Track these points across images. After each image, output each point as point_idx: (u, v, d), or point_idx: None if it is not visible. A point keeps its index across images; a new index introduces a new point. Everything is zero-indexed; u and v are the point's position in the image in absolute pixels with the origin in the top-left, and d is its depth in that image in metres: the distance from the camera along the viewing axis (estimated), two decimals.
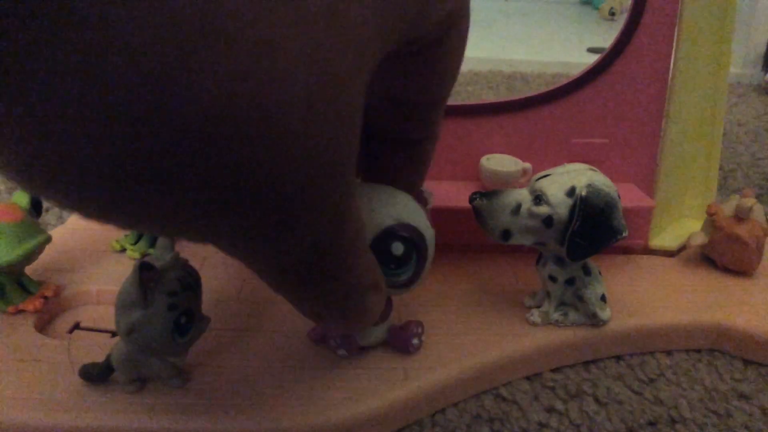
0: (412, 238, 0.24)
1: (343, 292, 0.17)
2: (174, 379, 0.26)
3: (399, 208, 0.24)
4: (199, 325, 0.25)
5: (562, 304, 0.31)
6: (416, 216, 0.25)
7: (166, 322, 0.24)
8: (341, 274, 0.17)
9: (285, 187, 0.12)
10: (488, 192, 0.29)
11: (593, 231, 0.28)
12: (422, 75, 0.19)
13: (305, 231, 0.14)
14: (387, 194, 0.24)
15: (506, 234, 0.29)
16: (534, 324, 0.31)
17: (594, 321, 0.31)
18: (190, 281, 0.25)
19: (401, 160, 0.24)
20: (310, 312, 0.18)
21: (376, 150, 0.23)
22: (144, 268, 0.23)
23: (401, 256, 0.24)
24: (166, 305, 0.24)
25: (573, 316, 0.31)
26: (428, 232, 0.25)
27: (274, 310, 0.32)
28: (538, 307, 0.32)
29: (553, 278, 0.30)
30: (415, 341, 0.29)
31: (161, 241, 0.25)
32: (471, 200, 0.29)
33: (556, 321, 0.31)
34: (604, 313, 0.31)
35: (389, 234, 0.24)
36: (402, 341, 0.29)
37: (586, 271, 0.30)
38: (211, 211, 0.12)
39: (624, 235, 0.28)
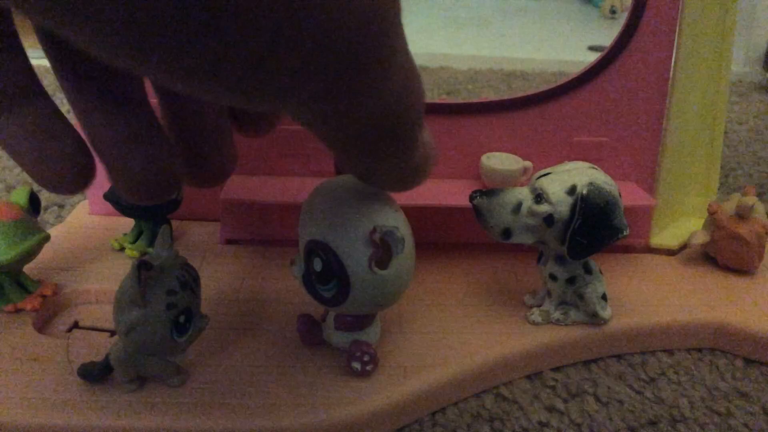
0: (329, 260, 0.24)
1: (410, 159, 0.18)
2: (173, 378, 0.26)
3: (338, 223, 0.23)
4: (199, 325, 0.25)
5: (562, 303, 0.31)
6: (350, 240, 0.23)
7: (164, 321, 0.24)
8: (409, 139, 0.17)
9: (359, 42, 0.13)
10: (488, 190, 0.29)
11: (594, 229, 0.28)
12: None
13: (380, 87, 0.14)
14: (345, 204, 0.24)
15: (507, 233, 0.29)
16: (535, 323, 0.31)
17: (595, 320, 0.31)
18: (188, 280, 0.24)
19: None
20: (371, 176, 0.19)
21: None
22: (143, 267, 0.23)
23: (320, 273, 0.24)
24: (165, 304, 0.23)
25: (574, 314, 0.31)
26: (353, 259, 0.24)
27: (273, 309, 0.32)
28: (539, 306, 0.32)
29: (553, 277, 0.30)
30: (355, 365, 0.27)
31: (160, 240, 0.25)
32: (471, 199, 0.29)
33: (557, 320, 0.31)
34: (605, 312, 0.31)
35: (311, 248, 0.24)
36: (346, 359, 0.27)
37: (587, 269, 0.30)
38: (301, 73, 0.12)
39: (625, 233, 0.28)
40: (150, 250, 0.36)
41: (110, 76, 0.17)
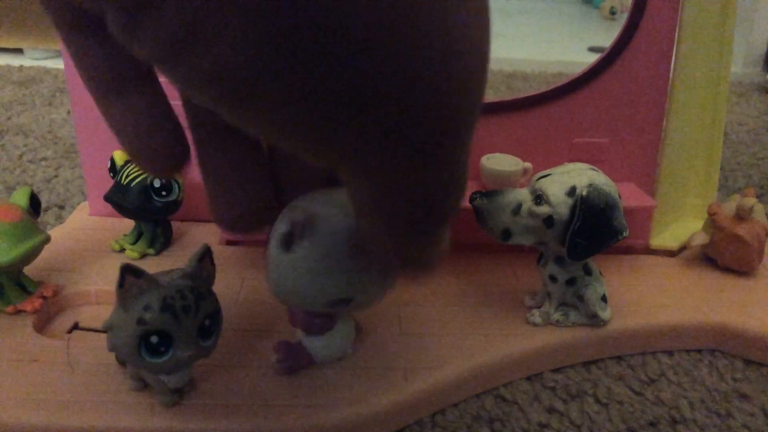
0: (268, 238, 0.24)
1: (442, 238, 0.18)
2: (162, 396, 0.25)
3: (290, 206, 0.24)
4: (179, 355, 0.23)
5: (562, 304, 0.31)
6: (281, 220, 0.24)
7: (131, 334, 0.23)
8: (447, 219, 0.17)
9: (446, 124, 0.13)
10: (488, 192, 0.29)
11: (594, 231, 0.28)
12: None
13: (442, 169, 0.15)
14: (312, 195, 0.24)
15: (507, 234, 0.29)
16: (535, 324, 0.31)
17: (594, 321, 0.31)
18: (176, 305, 0.23)
19: None
20: (406, 255, 0.19)
21: None
22: (127, 271, 0.23)
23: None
24: (136, 318, 0.23)
25: (574, 316, 0.31)
26: (274, 237, 0.24)
27: (273, 310, 0.32)
28: (539, 307, 0.32)
29: (553, 278, 0.30)
30: (272, 358, 0.27)
31: (192, 256, 0.24)
32: (471, 200, 0.29)
33: (557, 321, 0.31)
34: (605, 314, 0.31)
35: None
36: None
37: (587, 271, 0.30)
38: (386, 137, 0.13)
39: (625, 234, 0.28)
40: (150, 251, 0.36)
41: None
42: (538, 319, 0.31)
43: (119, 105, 0.19)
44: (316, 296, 0.24)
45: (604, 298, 0.31)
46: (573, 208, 0.28)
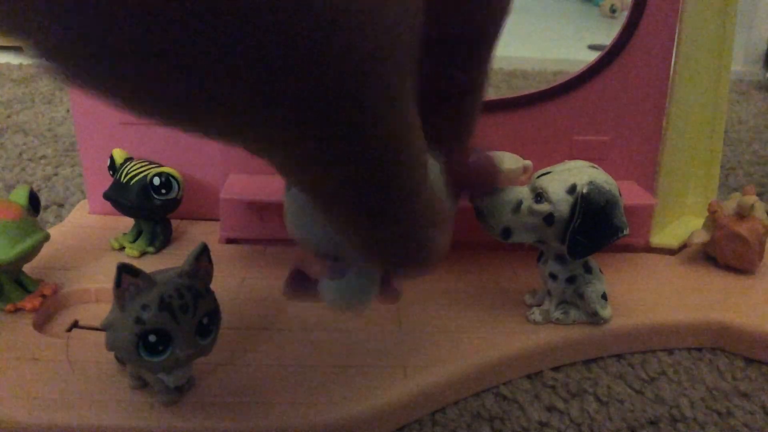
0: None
1: (405, 226, 0.17)
2: (162, 394, 0.25)
3: None
4: (177, 354, 0.23)
5: (563, 302, 0.31)
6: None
7: (129, 333, 0.23)
8: (403, 204, 0.16)
9: (353, 85, 0.12)
10: (489, 191, 0.29)
11: (594, 229, 0.28)
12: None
13: (367, 142, 0.13)
14: None
15: (507, 232, 0.29)
16: (535, 322, 0.31)
17: (595, 319, 0.31)
18: (173, 304, 0.23)
19: (444, 117, 0.21)
20: (372, 252, 0.18)
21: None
22: (124, 271, 0.23)
23: None
24: (134, 317, 0.23)
25: (574, 314, 0.31)
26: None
27: (272, 309, 0.32)
28: (539, 305, 0.32)
29: (554, 276, 0.30)
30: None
31: (189, 256, 0.24)
32: (471, 198, 0.29)
33: (557, 319, 0.31)
34: (605, 312, 0.31)
35: None
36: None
37: (587, 269, 0.30)
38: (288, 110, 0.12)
39: (625, 232, 0.28)
40: (150, 249, 0.36)
41: None
42: (538, 317, 0.31)
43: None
44: (303, 242, 0.23)
45: (604, 296, 0.31)
46: (573, 205, 0.27)
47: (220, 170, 0.38)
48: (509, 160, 0.37)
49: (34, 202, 0.31)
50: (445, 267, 0.36)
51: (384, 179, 0.14)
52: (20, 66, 0.85)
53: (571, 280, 0.30)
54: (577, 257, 0.28)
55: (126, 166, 0.35)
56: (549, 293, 0.31)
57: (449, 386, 0.28)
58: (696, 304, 0.33)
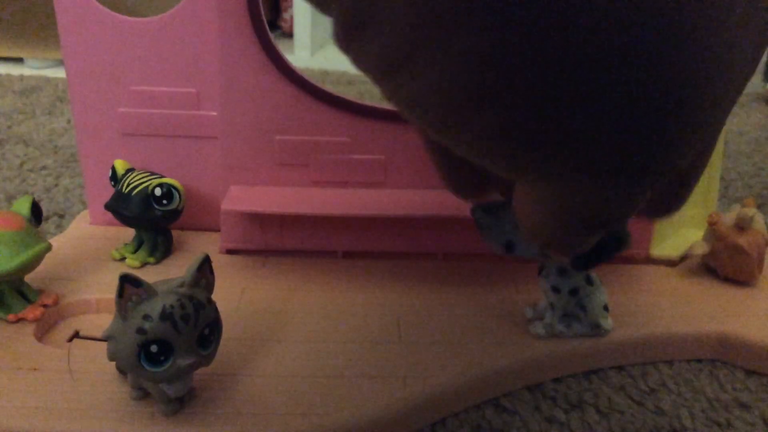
0: None
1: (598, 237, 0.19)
2: (163, 404, 0.25)
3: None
4: (179, 364, 0.23)
5: (564, 315, 0.31)
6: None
7: (131, 343, 0.23)
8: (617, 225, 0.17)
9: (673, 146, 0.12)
10: (490, 204, 0.29)
11: (600, 242, 0.28)
12: None
13: (644, 185, 0.14)
14: None
15: (510, 246, 0.29)
16: (538, 336, 0.31)
17: (597, 331, 0.31)
18: (175, 314, 0.23)
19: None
20: (557, 248, 0.19)
21: None
22: (126, 281, 0.23)
23: None
24: (136, 327, 0.23)
25: (576, 326, 0.31)
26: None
27: (273, 320, 0.32)
28: (540, 318, 0.32)
29: (556, 289, 0.30)
30: None
31: (191, 266, 0.24)
32: (472, 213, 0.29)
33: (560, 332, 0.31)
34: (607, 323, 0.31)
35: None
36: None
37: (589, 280, 0.30)
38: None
39: (629, 244, 0.28)
40: (151, 259, 0.36)
41: None
42: (541, 331, 0.31)
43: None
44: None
45: (605, 308, 0.31)
46: None
47: (220, 182, 0.38)
48: None
49: (36, 213, 0.32)
50: (446, 278, 0.37)
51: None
52: (21, 77, 0.86)
53: (573, 292, 0.30)
54: (581, 269, 0.29)
55: (127, 177, 0.36)
56: (551, 306, 0.31)
57: (449, 397, 0.28)
58: (696, 315, 0.33)
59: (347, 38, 0.12)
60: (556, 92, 0.11)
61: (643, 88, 0.11)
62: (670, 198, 0.19)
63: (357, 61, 0.12)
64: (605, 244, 0.28)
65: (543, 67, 0.10)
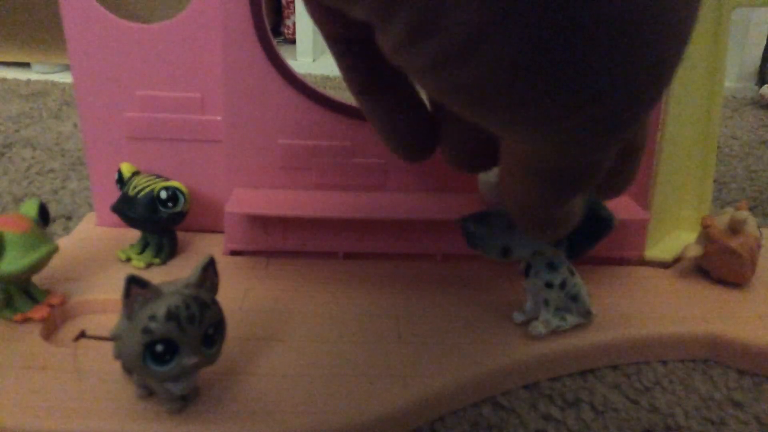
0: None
1: (580, 206, 0.20)
2: (168, 403, 0.26)
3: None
4: (184, 363, 0.24)
5: (556, 309, 0.32)
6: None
7: (137, 343, 0.23)
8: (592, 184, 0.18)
9: (636, 92, 0.14)
10: (478, 214, 0.29)
11: (588, 226, 0.28)
12: None
13: (614, 144, 0.16)
14: None
15: (506, 251, 0.29)
16: (539, 335, 0.31)
17: (588, 318, 0.32)
18: (180, 314, 0.24)
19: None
20: (540, 222, 0.20)
21: None
22: (133, 282, 0.23)
23: None
24: (142, 327, 0.23)
25: (570, 318, 0.32)
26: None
27: (276, 320, 0.32)
28: (532, 319, 0.32)
29: (550, 285, 0.31)
30: None
31: (197, 267, 0.25)
32: (463, 226, 0.29)
33: (558, 326, 0.32)
34: (593, 308, 0.32)
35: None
36: None
37: (572, 271, 0.31)
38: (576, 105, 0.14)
39: (615, 222, 0.29)
40: (156, 260, 0.37)
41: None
42: (542, 330, 0.31)
43: (377, 104, 0.22)
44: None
45: (587, 294, 0.32)
46: None
47: (225, 184, 0.38)
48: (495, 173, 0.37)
49: (43, 215, 0.32)
50: (443, 278, 0.37)
51: (599, 170, 0.17)
52: (28, 82, 0.87)
53: (562, 285, 0.31)
54: (576, 257, 0.29)
55: (133, 180, 0.36)
56: (546, 303, 0.31)
57: (448, 396, 0.29)
58: (689, 316, 0.34)
59: (409, 43, 0.13)
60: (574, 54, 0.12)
61: (633, 48, 0.13)
62: (618, 175, 0.21)
63: (408, 61, 0.14)
64: (593, 228, 0.29)
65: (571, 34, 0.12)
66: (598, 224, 0.29)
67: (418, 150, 0.23)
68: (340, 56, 0.21)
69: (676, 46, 0.14)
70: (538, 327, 0.32)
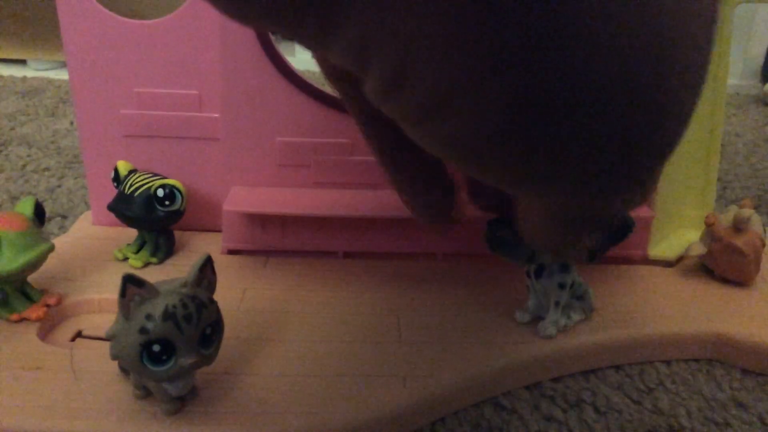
0: None
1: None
2: (165, 404, 0.25)
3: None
4: (181, 363, 0.24)
5: (564, 308, 0.32)
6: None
7: (134, 342, 0.23)
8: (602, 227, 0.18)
9: (648, 157, 0.14)
10: (504, 219, 0.29)
11: (613, 229, 0.28)
12: None
13: (626, 195, 0.15)
14: None
15: (532, 257, 0.29)
16: (551, 336, 0.31)
17: (590, 313, 0.32)
18: (177, 314, 0.23)
19: None
20: (561, 251, 0.21)
21: None
22: (129, 281, 0.23)
23: None
24: (139, 327, 0.23)
25: (574, 315, 0.32)
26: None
27: (274, 320, 0.32)
28: (533, 319, 0.32)
29: (562, 286, 0.31)
30: None
31: (194, 268, 0.25)
32: (491, 234, 0.29)
33: (565, 325, 0.32)
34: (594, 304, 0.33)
35: None
36: None
37: (573, 269, 0.31)
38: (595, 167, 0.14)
39: (635, 226, 0.29)
40: (153, 260, 0.37)
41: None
42: (552, 331, 0.31)
43: (397, 166, 0.22)
44: None
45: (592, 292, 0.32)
46: None
47: (222, 183, 0.38)
48: None
49: (39, 214, 0.32)
50: (445, 278, 0.37)
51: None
52: (24, 79, 0.86)
53: (571, 285, 0.31)
54: (597, 260, 0.29)
55: (130, 178, 0.36)
56: (556, 304, 0.31)
57: (449, 396, 0.28)
58: (693, 315, 0.34)
59: (385, 94, 0.13)
60: (572, 124, 0.12)
61: (644, 108, 0.12)
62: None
63: (391, 111, 0.14)
64: (615, 231, 0.28)
65: (563, 102, 0.12)
66: (619, 228, 0.29)
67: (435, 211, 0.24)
68: (346, 100, 0.21)
69: (680, 89, 0.13)
70: (549, 329, 0.31)
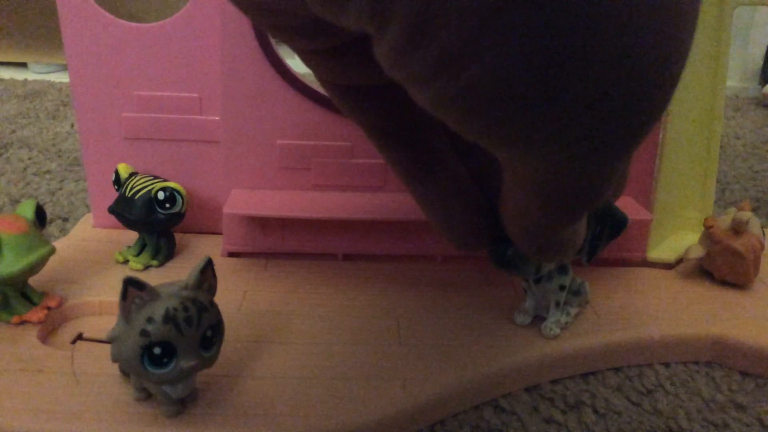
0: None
1: (584, 226, 0.20)
2: (165, 406, 0.25)
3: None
4: (182, 365, 0.24)
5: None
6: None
7: (134, 345, 0.23)
8: (576, 218, 0.18)
9: (639, 115, 0.14)
10: (506, 237, 0.28)
11: (609, 229, 0.28)
12: None
13: (618, 162, 0.15)
14: None
15: (539, 268, 0.29)
16: (555, 336, 0.31)
17: (585, 307, 0.33)
18: (178, 316, 0.23)
19: None
20: (544, 245, 0.20)
21: None
22: (130, 284, 0.23)
23: None
24: (140, 329, 0.23)
25: (572, 310, 0.32)
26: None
27: (274, 322, 0.32)
28: (531, 320, 0.32)
29: (563, 287, 0.31)
30: None
31: (194, 270, 0.25)
32: (497, 252, 0.25)
33: (567, 323, 0.32)
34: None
35: None
36: None
37: (571, 270, 0.32)
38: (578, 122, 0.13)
39: (628, 222, 0.29)
40: (154, 262, 0.37)
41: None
42: (556, 330, 0.31)
43: (426, 188, 0.21)
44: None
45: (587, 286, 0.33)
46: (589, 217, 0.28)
47: (223, 185, 0.38)
48: None
49: (40, 217, 0.32)
50: (444, 280, 0.37)
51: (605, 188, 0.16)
52: (25, 82, 0.86)
53: (570, 284, 0.31)
54: (592, 260, 0.29)
55: (131, 181, 0.36)
56: (557, 304, 0.31)
57: (448, 399, 0.28)
58: (692, 318, 0.34)
59: (403, 51, 0.13)
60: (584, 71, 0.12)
61: (646, 61, 0.13)
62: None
63: (406, 70, 0.13)
64: (610, 229, 0.28)
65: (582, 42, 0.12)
66: (613, 225, 0.29)
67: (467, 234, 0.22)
68: (353, 107, 0.21)
69: (678, 48, 0.13)
70: (554, 329, 0.31)
